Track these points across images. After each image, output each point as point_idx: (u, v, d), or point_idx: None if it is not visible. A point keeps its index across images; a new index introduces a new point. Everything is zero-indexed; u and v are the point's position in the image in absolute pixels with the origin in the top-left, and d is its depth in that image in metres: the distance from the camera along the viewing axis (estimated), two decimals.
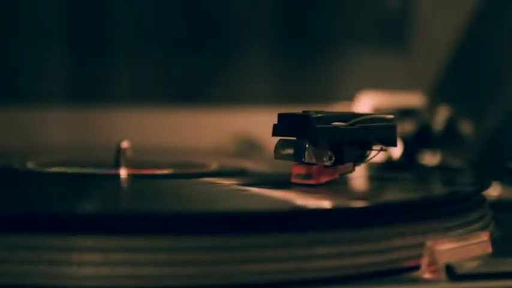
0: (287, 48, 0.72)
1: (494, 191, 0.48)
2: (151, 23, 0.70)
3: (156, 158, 0.52)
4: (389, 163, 0.51)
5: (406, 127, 0.54)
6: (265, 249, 0.30)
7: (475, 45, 0.68)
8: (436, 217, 0.34)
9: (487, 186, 0.41)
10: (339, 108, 0.61)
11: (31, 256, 0.29)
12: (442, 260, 0.31)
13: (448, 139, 0.54)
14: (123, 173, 0.43)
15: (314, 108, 0.38)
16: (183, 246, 0.29)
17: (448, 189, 0.44)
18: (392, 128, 0.39)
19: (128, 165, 0.43)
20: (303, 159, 0.37)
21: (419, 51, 0.71)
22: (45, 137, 0.65)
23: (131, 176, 0.42)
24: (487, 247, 0.33)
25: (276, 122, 0.37)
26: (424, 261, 0.32)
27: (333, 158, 0.37)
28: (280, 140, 0.38)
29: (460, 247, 0.32)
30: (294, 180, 0.38)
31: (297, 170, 0.37)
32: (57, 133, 0.66)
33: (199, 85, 0.70)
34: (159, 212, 0.31)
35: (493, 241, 0.34)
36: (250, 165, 0.49)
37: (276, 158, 0.38)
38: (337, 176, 0.38)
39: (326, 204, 0.35)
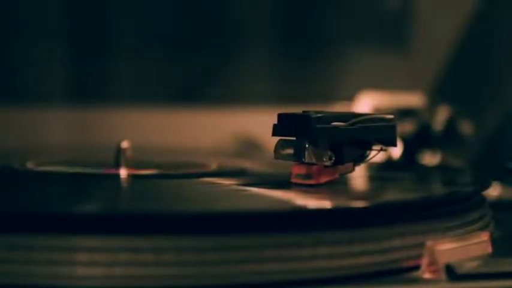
0: (287, 48, 0.72)
1: (494, 191, 0.48)
2: (151, 23, 0.70)
3: (156, 158, 0.52)
4: (389, 163, 0.51)
5: (406, 127, 0.54)
6: (265, 249, 0.30)
7: (475, 45, 0.68)
8: (436, 217, 0.34)
9: (487, 186, 0.41)
10: (339, 108, 0.61)
11: (31, 256, 0.29)
12: (442, 260, 0.31)
13: (448, 139, 0.54)
14: (123, 173, 0.43)
15: (314, 108, 0.38)
16: (183, 246, 0.29)
17: (448, 189, 0.44)
18: (392, 128, 0.39)
19: (128, 165, 0.43)
20: (303, 159, 0.37)
21: (419, 51, 0.71)
22: (45, 137, 0.65)
23: (131, 176, 0.42)
24: (487, 247, 0.33)
25: (275, 122, 0.37)
26: (424, 261, 0.32)
27: (333, 158, 0.37)
28: (280, 140, 0.38)
29: (460, 247, 0.32)
30: (294, 180, 0.38)
31: (297, 170, 0.37)
32: (57, 133, 0.66)
33: (199, 85, 0.70)
34: (159, 212, 0.31)
35: (493, 241, 0.34)
36: (250, 165, 0.49)
37: (275, 158, 0.38)
38: (337, 176, 0.38)
39: (326, 204, 0.35)
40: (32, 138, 0.65)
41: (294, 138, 0.37)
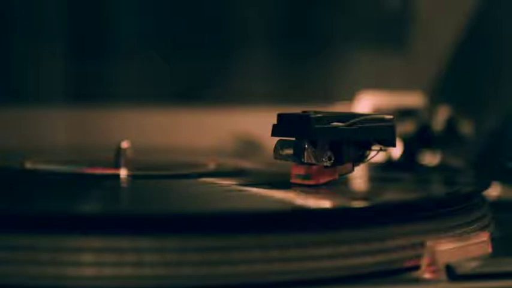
0: (287, 48, 0.72)
1: (494, 191, 0.48)
2: (151, 23, 0.70)
3: (156, 158, 0.52)
4: (389, 163, 0.51)
5: (406, 127, 0.54)
6: (265, 249, 0.30)
7: (475, 45, 0.68)
8: (436, 217, 0.34)
9: (487, 186, 0.41)
10: (338, 108, 0.61)
11: (31, 256, 0.29)
12: (442, 260, 0.31)
13: (448, 139, 0.54)
14: (123, 173, 0.43)
15: (314, 108, 0.38)
16: (182, 246, 0.29)
17: (448, 189, 0.44)
18: (392, 129, 0.39)
19: (128, 165, 0.43)
20: (302, 160, 0.37)
21: (419, 51, 0.71)
22: (45, 137, 0.65)
23: (131, 176, 0.42)
24: (487, 247, 0.33)
25: (275, 122, 0.37)
26: (424, 261, 0.32)
27: (332, 158, 0.37)
28: (279, 140, 0.38)
29: (460, 247, 0.32)
30: (293, 180, 0.38)
31: (297, 170, 0.37)
32: (57, 133, 0.66)
33: (199, 85, 0.70)
34: (159, 212, 0.31)
35: (493, 241, 0.34)
36: (250, 165, 0.49)
37: (275, 158, 0.38)
38: (336, 176, 0.38)
39: (326, 204, 0.35)
40: (32, 138, 0.65)
41: (294, 139, 0.37)
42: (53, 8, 0.67)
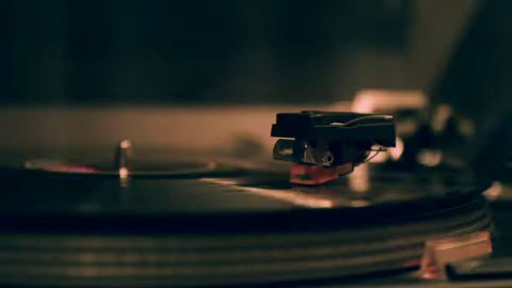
0: (287, 48, 0.72)
1: (494, 191, 0.48)
2: (151, 23, 0.70)
3: (156, 158, 0.52)
4: (389, 163, 0.51)
5: (406, 127, 0.54)
6: (265, 249, 0.30)
7: (475, 45, 0.68)
8: (436, 217, 0.34)
9: (487, 186, 0.41)
10: (338, 108, 0.61)
11: (31, 256, 0.29)
12: (442, 260, 0.31)
13: (448, 139, 0.54)
14: (123, 173, 0.43)
15: (314, 108, 0.38)
16: (182, 246, 0.29)
17: (448, 189, 0.44)
18: (391, 128, 0.39)
19: (128, 165, 0.43)
20: (302, 160, 0.37)
21: (419, 51, 0.71)
22: (45, 137, 0.65)
23: (131, 176, 0.42)
24: (487, 247, 0.33)
25: (275, 122, 0.37)
26: (424, 261, 0.32)
27: (332, 158, 0.37)
28: (279, 140, 0.38)
29: (460, 247, 0.32)
30: (293, 180, 0.38)
31: (296, 170, 0.37)
32: (57, 133, 0.66)
33: (199, 85, 0.70)
34: (159, 212, 0.31)
35: (493, 241, 0.34)
36: (250, 165, 0.49)
37: (274, 158, 0.38)
38: (336, 176, 0.38)
39: (325, 204, 0.35)
40: (32, 138, 0.65)
41: (293, 139, 0.37)
42: (53, 8, 0.67)
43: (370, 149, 0.39)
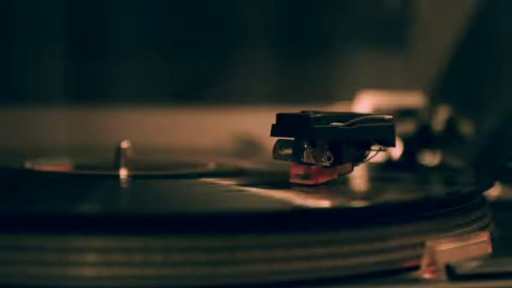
0: (287, 48, 0.72)
1: (494, 191, 0.48)
2: (151, 23, 0.70)
3: (156, 158, 0.52)
4: (389, 163, 0.51)
5: (406, 127, 0.54)
6: (265, 249, 0.30)
7: (475, 45, 0.68)
8: (436, 217, 0.34)
9: (487, 186, 0.41)
10: (338, 108, 0.61)
11: (31, 256, 0.29)
12: (442, 260, 0.31)
13: (448, 139, 0.54)
14: (123, 173, 0.43)
15: (314, 108, 0.38)
16: (182, 246, 0.29)
17: (448, 189, 0.44)
18: (391, 128, 0.39)
19: (128, 165, 0.43)
20: (302, 160, 0.37)
21: (419, 51, 0.71)
22: (45, 137, 0.65)
23: (131, 176, 0.42)
24: (487, 247, 0.33)
25: (274, 122, 0.37)
26: (424, 261, 0.32)
27: (332, 158, 0.37)
28: (278, 140, 0.38)
29: (460, 247, 0.32)
30: (292, 180, 0.38)
31: (296, 170, 0.37)
32: (57, 133, 0.66)
33: (199, 85, 0.70)
34: (160, 213, 0.31)
35: (493, 241, 0.34)
36: (250, 165, 0.49)
37: (274, 158, 0.38)
38: (335, 176, 0.38)
39: (325, 204, 0.35)
40: (32, 138, 0.65)
41: (293, 139, 0.37)
42: (53, 8, 0.67)
43: (370, 149, 0.39)
